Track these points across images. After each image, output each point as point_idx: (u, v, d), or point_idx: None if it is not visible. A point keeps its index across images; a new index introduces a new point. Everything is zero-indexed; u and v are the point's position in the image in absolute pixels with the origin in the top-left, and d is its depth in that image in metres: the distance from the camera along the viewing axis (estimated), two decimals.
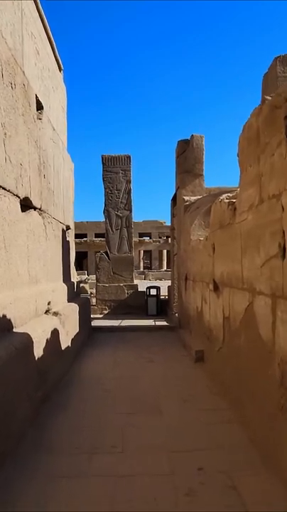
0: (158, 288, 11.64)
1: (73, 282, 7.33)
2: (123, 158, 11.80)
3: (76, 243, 12.11)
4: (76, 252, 9.84)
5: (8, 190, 3.58)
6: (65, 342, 5.16)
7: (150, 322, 9.83)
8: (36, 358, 3.67)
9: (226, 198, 4.00)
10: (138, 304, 11.48)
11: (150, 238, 42.75)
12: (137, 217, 37.29)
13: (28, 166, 4.20)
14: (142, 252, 42.45)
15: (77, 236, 21.12)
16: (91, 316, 9.46)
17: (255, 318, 2.95)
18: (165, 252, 41.35)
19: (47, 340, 4.10)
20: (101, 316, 11.19)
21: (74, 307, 6.33)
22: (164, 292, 12.35)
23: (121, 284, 11.76)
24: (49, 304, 4.91)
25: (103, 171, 11.77)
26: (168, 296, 11.82)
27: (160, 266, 41.94)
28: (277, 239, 2.46)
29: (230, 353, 3.82)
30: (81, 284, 12.91)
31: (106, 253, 11.93)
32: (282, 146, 2.37)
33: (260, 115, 2.78)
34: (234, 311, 3.65)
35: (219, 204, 4.21)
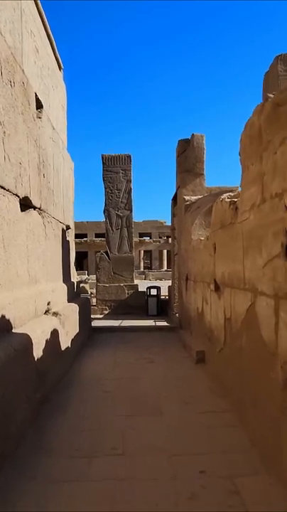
0: (158, 288, 11.60)
1: (73, 282, 7.29)
2: (123, 158, 11.76)
3: (76, 243, 12.08)
4: (76, 252, 9.81)
5: (8, 190, 3.55)
6: (65, 342, 5.12)
7: (150, 322, 9.79)
8: (35, 359, 3.63)
9: (228, 198, 3.96)
10: (138, 304, 11.44)
11: (151, 238, 42.72)
12: (137, 217, 37.33)
13: (27, 165, 4.16)
14: (142, 252, 42.42)
15: (77, 236, 21.10)
16: (92, 316, 9.42)
17: (257, 319, 2.91)
18: (165, 252, 41.32)
19: (46, 340, 4.06)
20: (101, 316, 11.15)
21: (74, 307, 6.30)
22: (164, 292, 12.31)
23: (122, 284, 11.72)
24: (49, 304, 4.88)
25: (103, 170, 11.74)
26: (168, 296, 11.78)
27: (161, 266, 41.91)
28: (280, 239, 2.42)
29: (231, 355, 3.78)
30: (81, 284, 12.87)
31: (106, 253, 11.89)
32: (285, 144, 2.34)
33: (262, 113, 2.74)
34: (236, 312, 3.61)
35: (220, 203, 4.17)
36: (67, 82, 7.42)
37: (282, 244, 2.38)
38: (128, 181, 11.74)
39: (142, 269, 38.23)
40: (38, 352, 3.71)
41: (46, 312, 4.80)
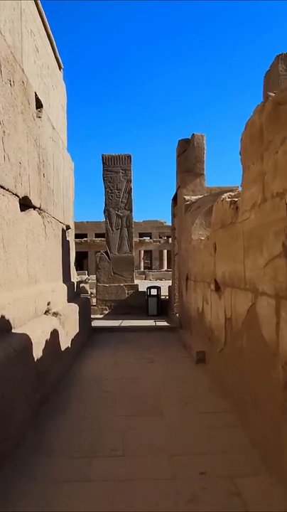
0: (158, 288, 11.59)
1: (73, 282, 7.28)
2: (123, 158, 11.75)
3: (76, 243, 12.06)
4: (76, 252, 9.80)
5: (7, 189, 3.53)
6: (65, 343, 5.11)
7: (150, 322, 9.77)
8: (35, 359, 3.62)
9: (228, 197, 3.95)
10: (138, 304, 11.43)
11: (151, 238, 42.70)
12: (137, 217, 37.29)
13: (27, 164, 4.14)
14: (142, 252, 42.41)
15: (77, 236, 21.08)
16: (92, 316, 9.41)
17: (258, 319, 2.90)
18: (165, 252, 41.31)
19: (46, 341, 4.05)
20: (101, 316, 11.14)
21: (74, 307, 6.28)
22: (165, 292, 12.29)
23: (122, 284, 11.71)
24: (48, 304, 4.86)
25: (103, 170, 11.72)
26: (168, 296, 11.77)
27: (161, 266, 41.89)
28: (281, 238, 2.41)
29: (232, 355, 3.77)
30: (81, 284, 12.86)
31: (106, 253, 11.88)
32: (286, 143, 2.32)
33: (263, 112, 2.73)
34: (236, 312, 3.60)
35: (220, 203, 4.16)
36: (67, 82, 7.42)
37: (283, 243, 2.36)
38: (129, 181, 11.73)
39: (142, 269, 38.22)
40: (37, 352, 3.69)
41: (46, 312, 4.79)
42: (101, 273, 11.81)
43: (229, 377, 3.88)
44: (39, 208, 4.73)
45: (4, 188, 3.45)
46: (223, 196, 4.13)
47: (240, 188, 4.23)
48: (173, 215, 10.17)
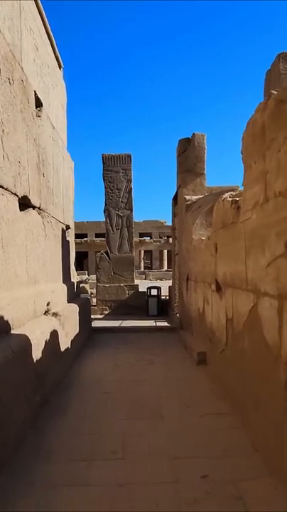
0: (158, 288, 11.55)
1: (73, 282, 7.24)
2: (123, 158, 11.71)
3: (76, 243, 12.02)
4: (76, 252, 9.76)
5: (6, 189, 3.50)
6: (65, 343, 5.07)
7: (151, 323, 9.73)
8: (34, 361, 3.58)
9: (230, 197, 3.91)
10: (138, 304, 11.39)
11: (151, 238, 42.67)
12: (137, 217, 37.24)
13: (26, 163, 4.11)
14: (143, 252, 42.38)
15: (77, 236, 21.04)
16: (92, 316, 9.37)
17: (260, 321, 2.86)
18: (165, 252, 41.27)
19: (45, 342, 4.01)
20: (101, 316, 11.10)
21: (74, 308, 6.24)
22: (165, 292, 12.25)
23: (122, 284, 11.67)
24: (48, 304, 4.82)
25: (103, 170, 11.68)
26: (168, 296, 11.73)
27: (161, 266, 41.85)
28: (283, 238, 2.37)
29: (233, 356, 3.73)
30: (81, 284, 12.82)
31: (106, 253, 11.83)
32: None
33: (265, 110, 2.69)
34: (238, 313, 3.56)
35: (221, 203, 4.12)
36: (67, 82, 7.38)
37: (286, 243, 2.33)
38: (129, 181, 11.69)
39: (142, 269, 38.19)
40: (37, 353, 3.66)
41: (46, 313, 4.75)
42: (102, 273, 11.77)
43: (230, 379, 3.85)
44: (38, 208, 4.69)
45: (3, 188, 3.41)
46: (224, 196, 4.10)
47: (241, 188, 4.20)
48: (174, 215, 10.13)
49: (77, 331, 6.27)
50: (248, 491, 2.28)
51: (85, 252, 38.35)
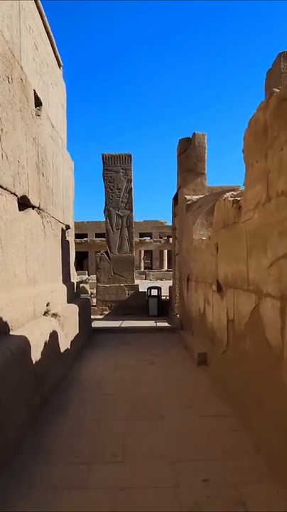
0: (159, 288, 11.51)
1: (73, 283, 7.20)
2: (123, 157, 11.67)
3: (76, 243, 11.98)
4: (76, 252, 9.72)
5: (5, 188, 3.46)
6: (64, 344, 5.04)
7: (151, 323, 9.70)
8: (34, 362, 3.54)
9: (231, 196, 3.87)
10: (139, 304, 11.35)
11: (151, 238, 42.63)
12: (138, 217, 37.24)
13: (25, 163, 4.07)
14: (143, 252, 42.34)
15: (77, 236, 21.00)
16: (92, 316, 9.33)
17: (262, 322, 2.83)
18: (165, 252, 41.23)
19: (45, 343, 3.98)
20: (101, 316, 11.06)
21: (74, 308, 6.21)
22: (165, 292, 12.21)
23: (122, 285, 11.63)
24: (48, 305, 4.79)
25: (103, 169, 11.64)
26: (169, 296, 11.69)
27: (161, 266, 41.82)
28: (286, 238, 2.34)
29: (235, 357, 3.69)
30: (81, 284, 12.78)
31: (106, 253, 11.79)
32: None
33: (267, 108, 2.65)
34: (239, 314, 3.53)
35: (222, 202, 4.08)
36: (67, 81, 7.34)
37: None
38: (129, 181, 11.65)
39: (142, 269, 38.15)
40: (36, 354, 3.62)
41: (45, 313, 4.71)
42: (102, 273, 11.73)
43: (231, 380, 3.81)
44: (38, 208, 4.65)
45: (2, 187, 3.38)
46: (225, 195, 4.06)
47: (242, 188, 4.16)
48: (174, 215, 10.10)
49: (77, 331, 6.24)
50: (250, 496, 2.24)
51: (85, 252, 38.32)
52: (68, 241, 6.85)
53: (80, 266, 37.38)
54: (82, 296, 9.27)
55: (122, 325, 9.45)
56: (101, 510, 2.17)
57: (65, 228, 6.50)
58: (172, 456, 2.77)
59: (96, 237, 39.20)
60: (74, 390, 4.48)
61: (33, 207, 4.45)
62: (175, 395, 4.18)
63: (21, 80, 3.94)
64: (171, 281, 12.16)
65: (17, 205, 3.81)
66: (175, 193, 9.36)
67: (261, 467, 2.57)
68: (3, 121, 3.40)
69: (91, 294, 14.74)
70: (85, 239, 39.00)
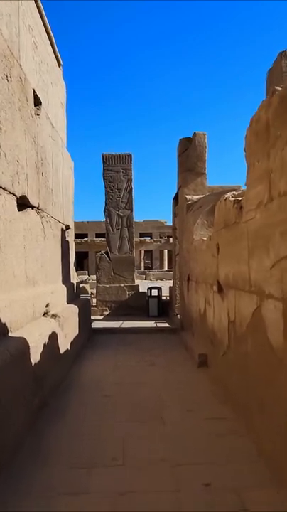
0: (159, 289, 11.47)
1: (73, 283, 7.16)
2: (124, 157, 11.63)
3: (76, 243, 11.94)
4: (76, 252, 9.68)
5: (4, 188, 3.43)
6: (64, 345, 5.00)
7: (151, 324, 9.67)
8: (33, 364, 3.51)
9: (232, 196, 3.84)
10: (139, 304, 11.31)
11: (151, 238, 42.59)
12: (138, 216, 37.22)
13: (25, 163, 4.04)
14: (143, 252, 42.30)
15: (77, 236, 20.96)
16: (92, 317, 9.30)
17: (263, 323, 2.79)
18: (166, 252, 41.19)
19: (44, 344, 3.94)
20: (101, 317, 11.02)
21: (74, 309, 6.17)
22: (165, 293, 12.18)
23: (122, 285, 11.59)
24: (47, 306, 4.75)
25: (103, 169, 11.60)
26: (169, 297, 11.65)
27: (161, 266, 41.77)
28: None
29: (236, 359, 3.66)
30: (81, 285, 12.74)
31: (106, 253, 11.75)
32: None
33: (269, 107, 2.62)
34: (240, 315, 3.49)
35: (223, 202, 4.05)
36: (67, 81, 7.30)
37: None
38: (129, 180, 11.61)
39: (143, 269, 38.11)
40: (35, 356, 3.58)
41: (45, 314, 4.68)
42: (102, 273, 11.69)
43: (232, 382, 3.77)
44: (37, 208, 4.61)
45: (1, 187, 3.34)
46: (226, 195, 4.02)
47: (243, 188, 4.12)
48: (174, 215, 10.06)
49: (77, 332, 6.20)
50: (252, 502, 2.20)
51: (85, 252, 38.29)
52: (68, 241, 6.81)
53: (80, 266, 37.35)
54: (82, 296, 9.24)
55: (122, 325, 9.41)
56: None
57: (64, 228, 6.46)
58: (172, 460, 2.73)
59: (96, 237, 39.15)
60: (74, 391, 4.44)
61: (33, 207, 4.41)
62: (175, 397, 4.14)
63: (20, 79, 3.90)
64: (171, 282, 12.12)
65: (16, 205, 3.77)
66: (176, 192, 9.33)
67: (264, 472, 2.53)
68: (2, 121, 3.37)
69: (92, 294, 14.71)
70: (85, 239, 38.96)
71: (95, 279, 12.85)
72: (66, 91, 7.31)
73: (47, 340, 4.08)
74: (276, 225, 2.50)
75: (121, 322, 9.86)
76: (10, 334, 3.33)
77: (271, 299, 2.62)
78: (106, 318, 10.77)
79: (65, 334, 5.09)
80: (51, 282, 5.23)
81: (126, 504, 2.22)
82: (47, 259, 5.05)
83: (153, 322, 9.90)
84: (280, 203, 2.45)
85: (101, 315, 11.24)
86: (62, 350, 4.84)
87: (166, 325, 9.44)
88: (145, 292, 11.41)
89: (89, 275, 29.96)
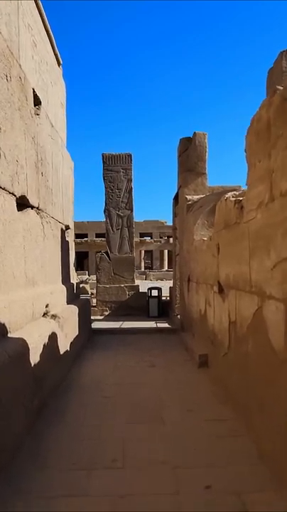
0: (159, 289, 11.44)
1: (73, 283, 7.14)
2: (124, 157, 11.60)
3: (76, 243, 11.91)
4: (76, 252, 9.66)
5: (3, 188, 3.40)
6: (64, 346, 4.98)
7: (151, 324, 9.64)
8: (32, 365, 3.48)
9: (233, 196, 3.81)
10: (139, 305, 11.28)
11: (152, 238, 42.57)
12: (138, 216, 37.20)
13: (24, 162, 4.01)
14: (143, 252, 42.28)
15: (77, 236, 20.95)
16: (92, 317, 9.28)
17: (265, 324, 2.77)
18: (166, 252, 41.17)
19: (44, 345, 3.92)
20: (101, 317, 11.00)
21: (74, 309, 6.15)
22: (165, 293, 12.15)
23: (122, 285, 11.57)
24: (47, 306, 4.73)
25: (103, 169, 11.57)
26: (169, 297, 11.63)
27: (161, 266, 41.75)
28: None
29: (237, 360, 3.63)
30: (81, 285, 12.72)
31: (106, 253, 11.72)
32: None
33: (271, 106, 2.59)
34: (241, 316, 3.46)
35: (224, 202, 4.02)
36: (67, 81, 7.27)
37: None
38: (129, 180, 11.58)
39: (143, 269, 38.09)
40: (34, 357, 3.56)
41: (44, 315, 4.66)
42: (102, 274, 11.67)
43: (233, 383, 3.75)
44: (37, 208, 4.59)
45: (0, 187, 3.32)
46: (227, 195, 4.00)
47: (243, 188, 4.09)
48: (174, 215, 10.04)
49: (77, 332, 6.18)
50: (253, 504, 2.18)
51: (85, 252, 38.27)
52: (68, 241, 6.79)
53: (80, 266, 37.33)
54: (82, 296, 9.21)
55: (122, 326, 9.39)
56: None
57: (64, 228, 6.44)
58: (173, 462, 2.71)
59: (96, 237, 39.13)
60: (74, 392, 4.42)
61: (32, 207, 4.39)
62: (175, 398, 4.12)
63: (20, 79, 3.88)
64: (171, 282, 12.10)
65: (15, 205, 3.75)
66: (176, 192, 9.30)
67: (265, 473, 2.51)
68: (1, 120, 3.35)
69: (92, 294, 14.69)
70: (85, 239, 38.94)
71: (95, 279, 12.83)
72: (66, 90, 7.29)
73: (46, 341, 4.06)
74: (278, 226, 2.48)
75: (121, 322, 9.83)
76: (9, 335, 3.31)
77: (272, 300, 2.60)
78: (107, 319, 10.74)
79: (64, 335, 5.07)
80: (51, 283, 5.21)
81: (125, 507, 2.20)
82: (47, 259, 5.03)
83: (153, 322, 9.88)
84: (281, 202, 2.43)
85: (101, 315, 11.22)
86: (61, 351, 4.82)
87: (166, 325, 9.41)
88: (145, 292, 11.38)
89: (89, 275, 29.94)
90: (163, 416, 3.61)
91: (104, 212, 11.72)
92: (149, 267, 42.08)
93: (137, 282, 12.54)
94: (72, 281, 7.14)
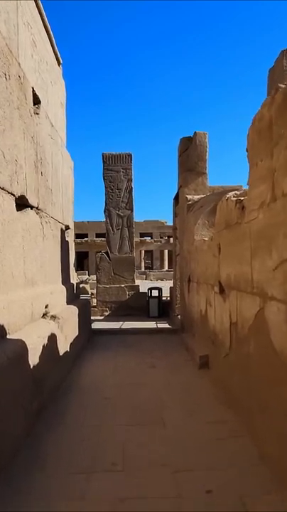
0: (159, 289, 11.41)
1: (72, 284, 7.11)
2: (124, 157, 11.57)
3: (76, 243, 11.88)
4: (76, 252, 9.63)
5: (2, 188, 3.37)
6: (63, 347, 4.94)
7: (151, 324, 9.61)
8: (31, 366, 3.45)
9: (234, 196, 3.78)
10: (139, 305, 11.25)
11: (152, 238, 42.54)
12: (138, 216, 37.18)
13: (23, 162, 3.98)
14: (143, 252, 42.25)
15: (77, 236, 20.91)
16: (92, 317, 9.24)
17: (266, 325, 2.73)
18: (166, 252, 41.15)
19: (43, 346, 3.88)
20: (101, 317, 10.97)
21: (74, 310, 6.12)
22: (166, 293, 12.12)
23: (122, 285, 11.53)
24: (46, 307, 4.70)
25: (103, 169, 11.54)
26: (170, 297, 11.60)
27: (162, 266, 41.73)
28: None
29: (238, 361, 3.60)
30: (81, 285, 12.69)
31: (106, 253, 11.69)
32: None
33: (273, 105, 2.56)
34: (242, 317, 3.43)
35: (225, 202, 3.99)
36: (67, 81, 7.24)
37: None
38: (129, 180, 11.55)
39: (143, 270, 38.06)
40: (34, 359, 3.53)
41: (44, 315, 4.62)
42: (102, 274, 11.63)
43: (234, 384, 3.72)
44: (37, 208, 4.56)
45: None
46: (228, 195, 3.97)
47: (244, 187, 4.06)
48: (175, 215, 10.01)
49: (77, 333, 6.14)
50: (254, 505, 2.15)
51: (86, 252, 38.25)
52: (68, 241, 6.76)
53: (80, 266, 37.31)
54: (82, 296, 9.18)
55: (122, 326, 9.35)
56: None
57: (64, 228, 6.41)
58: (174, 465, 2.68)
59: (96, 237, 39.11)
60: (73, 394, 4.39)
61: (32, 207, 4.36)
62: (176, 400, 4.08)
63: (19, 77, 3.85)
64: (172, 282, 12.06)
65: (14, 205, 3.72)
66: (176, 192, 9.27)
67: (266, 474, 2.48)
68: (0, 119, 3.32)
69: (92, 294, 14.65)
70: (85, 239, 38.92)
71: (95, 279, 12.79)
72: (66, 90, 7.26)
73: (46, 342, 4.03)
74: (280, 226, 2.44)
75: (121, 323, 9.80)
76: (8, 336, 3.28)
77: (274, 300, 2.56)
78: (107, 319, 10.71)
79: (64, 335, 5.03)
80: (50, 283, 5.18)
81: (125, 510, 2.16)
82: (47, 259, 4.99)
83: (153, 323, 9.85)
84: (284, 202, 2.39)
85: (101, 315, 11.19)
86: (61, 352, 4.78)
87: (167, 326, 9.38)
88: (145, 292, 11.35)
89: (89, 275, 29.90)
90: (163, 417, 3.58)
91: (104, 212, 11.69)
92: (149, 267, 42.05)
93: (137, 282, 12.51)
94: (72, 282, 7.11)
